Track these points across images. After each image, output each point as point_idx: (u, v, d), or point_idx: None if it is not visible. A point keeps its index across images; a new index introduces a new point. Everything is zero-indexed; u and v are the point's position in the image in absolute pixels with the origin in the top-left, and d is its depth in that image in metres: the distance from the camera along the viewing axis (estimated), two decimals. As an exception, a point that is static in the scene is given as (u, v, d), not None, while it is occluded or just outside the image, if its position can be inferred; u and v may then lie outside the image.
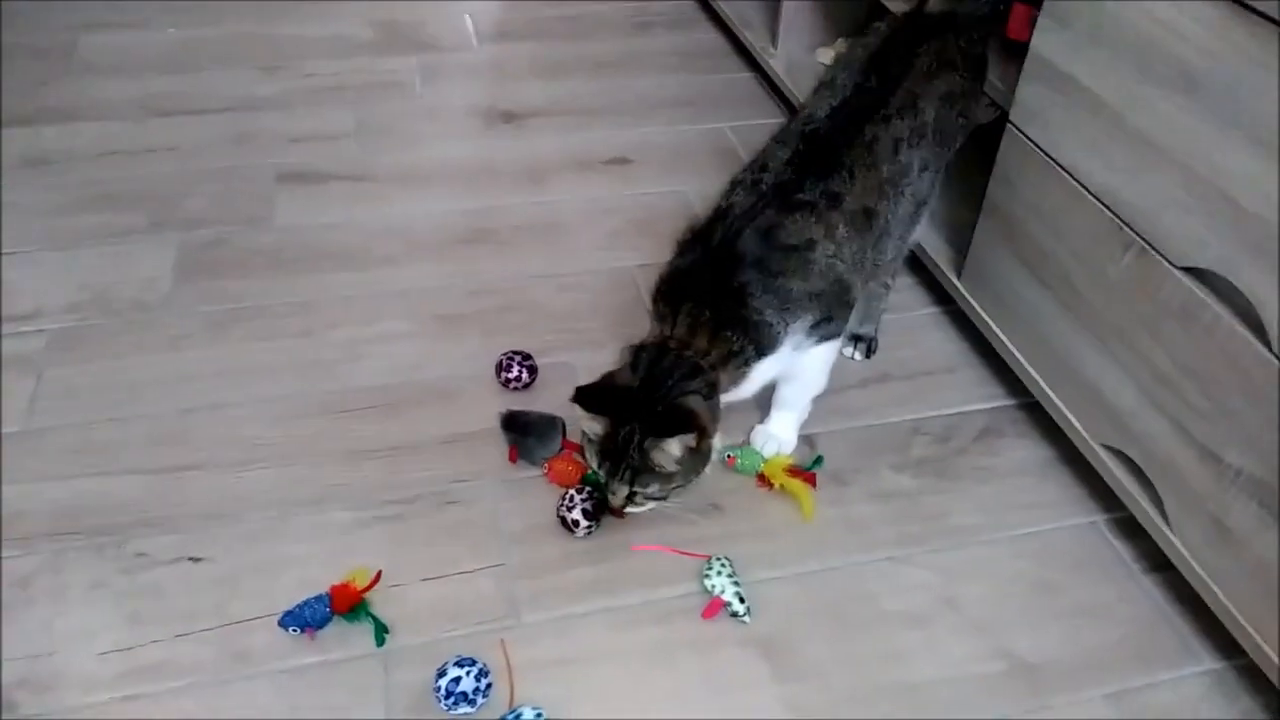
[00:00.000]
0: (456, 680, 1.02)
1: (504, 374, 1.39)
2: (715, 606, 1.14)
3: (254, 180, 1.82)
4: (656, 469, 1.12)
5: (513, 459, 1.30)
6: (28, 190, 1.76)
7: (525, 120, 2.07)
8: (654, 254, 1.64)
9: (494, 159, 1.93)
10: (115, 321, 1.49)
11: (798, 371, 1.26)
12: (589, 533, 1.21)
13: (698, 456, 1.14)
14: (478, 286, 1.61)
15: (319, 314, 1.53)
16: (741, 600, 1.14)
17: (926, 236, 1.58)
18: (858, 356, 1.50)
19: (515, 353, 1.41)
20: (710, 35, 2.45)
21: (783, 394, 1.32)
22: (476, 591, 1.16)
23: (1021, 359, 1.38)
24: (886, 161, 1.23)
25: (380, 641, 1.09)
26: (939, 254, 1.57)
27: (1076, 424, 1.29)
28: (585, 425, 1.15)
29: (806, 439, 1.37)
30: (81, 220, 1.69)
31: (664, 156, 1.96)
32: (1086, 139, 1.20)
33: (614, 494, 1.16)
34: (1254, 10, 0.94)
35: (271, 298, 1.56)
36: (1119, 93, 1.13)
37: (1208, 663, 1.13)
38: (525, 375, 1.39)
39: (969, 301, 1.49)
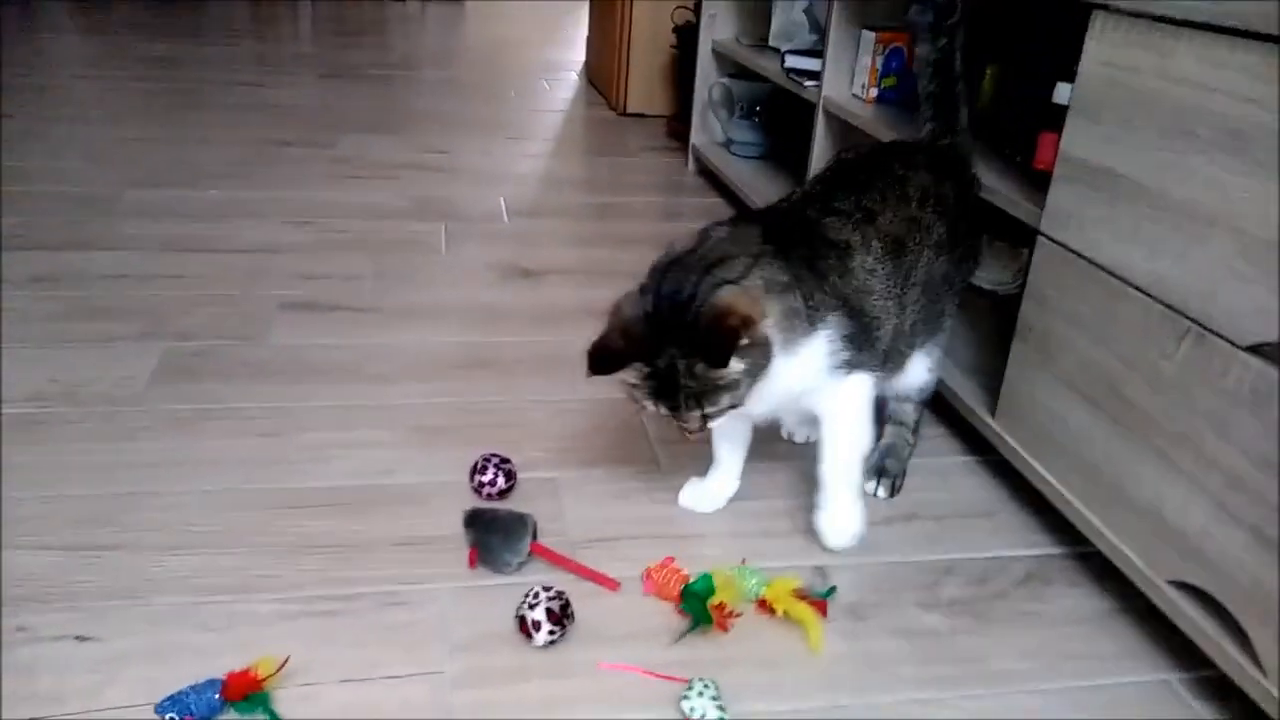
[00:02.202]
0: (352, 781, 0.80)
1: (478, 477, 1.24)
2: (693, 733, 0.92)
3: (256, 306, 1.77)
4: (716, 383, 1.01)
5: (472, 564, 1.12)
6: (26, 300, 1.72)
7: (543, 276, 2.03)
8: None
9: (506, 304, 1.88)
10: (76, 411, 1.39)
11: (828, 411, 1.16)
12: (552, 640, 1.01)
13: (755, 350, 1.01)
14: (467, 405, 1.49)
15: (292, 419, 1.41)
16: (726, 728, 0.92)
17: (955, 380, 1.45)
18: (880, 493, 1.32)
19: (493, 455, 1.26)
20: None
21: (825, 463, 1.18)
22: (403, 699, 0.95)
23: (1068, 495, 1.20)
24: (915, 200, 1.22)
25: (274, 741, 0.88)
26: (970, 395, 1.43)
27: (1137, 561, 1.09)
28: (619, 375, 1.04)
29: (817, 568, 1.17)
30: (71, 327, 1.64)
31: (682, 313, 1.89)
32: (1127, 230, 1.09)
33: (685, 423, 1.06)
34: (1301, 41, 0.86)
35: (245, 402, 1.45)
36: (1159, 170, 1.04)
37: None
38: (501, 480, 1.24)
39: (1006, 441, 1.33)
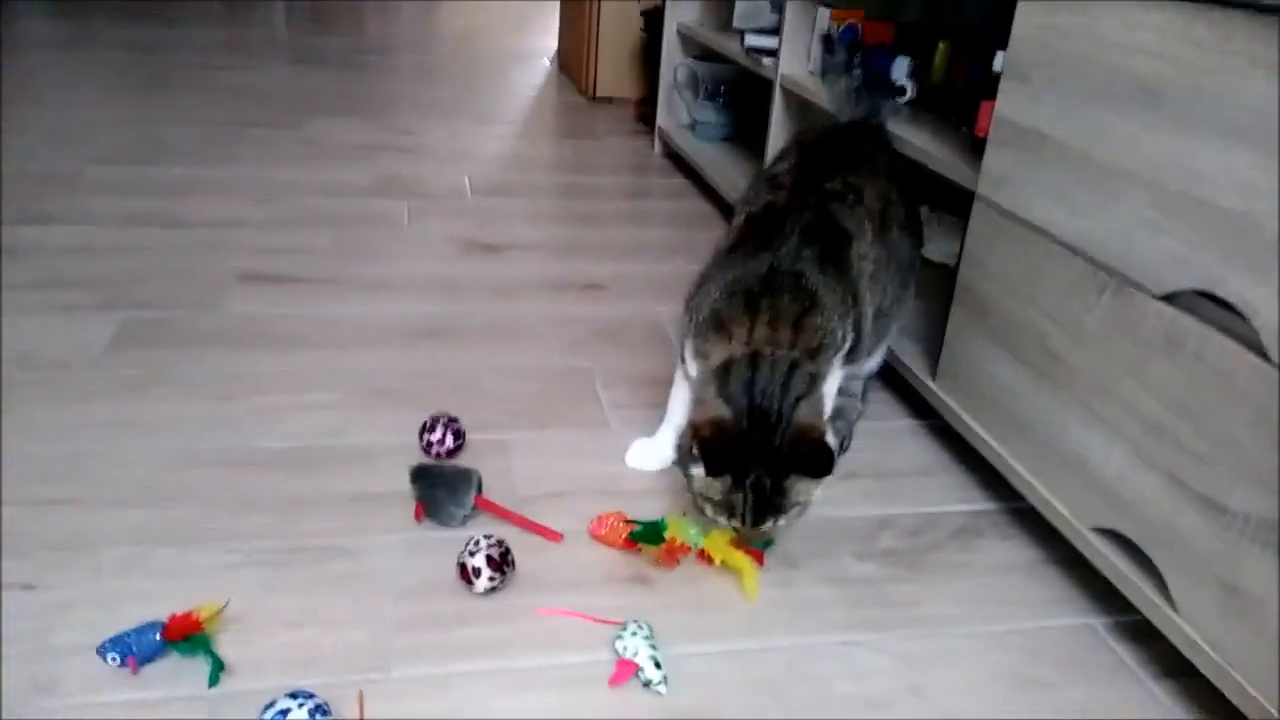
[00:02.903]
0: (285, 712, 0.82)
1: (427, 435, 1.26)
2: (625, 671, 0.94)
3: (215, 278, 1.78)
4: (801, 503, 1.05)
5: (419, 517, 1.15)
6: (-15, 272, 1.73)
7: (504, 251, 2.05)
8: (616, 360, 1.58)
9: (465, 277, 1.89)
10: (30, 376, 1.40)
11: None
12: (492, 586, 1.03)
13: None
14: (421, 371, 1.51)
15: (244, 383, 1.43)
16: (658, 666, 0.94)
17: (903, 347, 1.48)
18: (827, 452, 1.35)
19: (442, 414, 1.28)
20: (700, 204, 2.49)
21: None
22: (345, 641, 0.97)
23: (1001, 450, 1.23)
24: (885, 175, 1.28)
25: (214, 680, 0.90)
26: (914, 361, 1.46)
27: (1063, 510, 1.12)
28: (700, 487, 1.05)
29: (757, 521, 1.20)
30: (30, 297, 1.64)
31: (639, 285, 1.91)
32: (1053, 189, 1.12)
33: (751, 533, 1.07)
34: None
35: (200, 367, 1.46)
36: (1082, 130, 1.08)
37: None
38: (450, 439, 1.26)
39: (945, 402, 1.36)
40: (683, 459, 1.08)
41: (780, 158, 1.39)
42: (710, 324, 1.11)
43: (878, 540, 1.19)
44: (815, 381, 1.07)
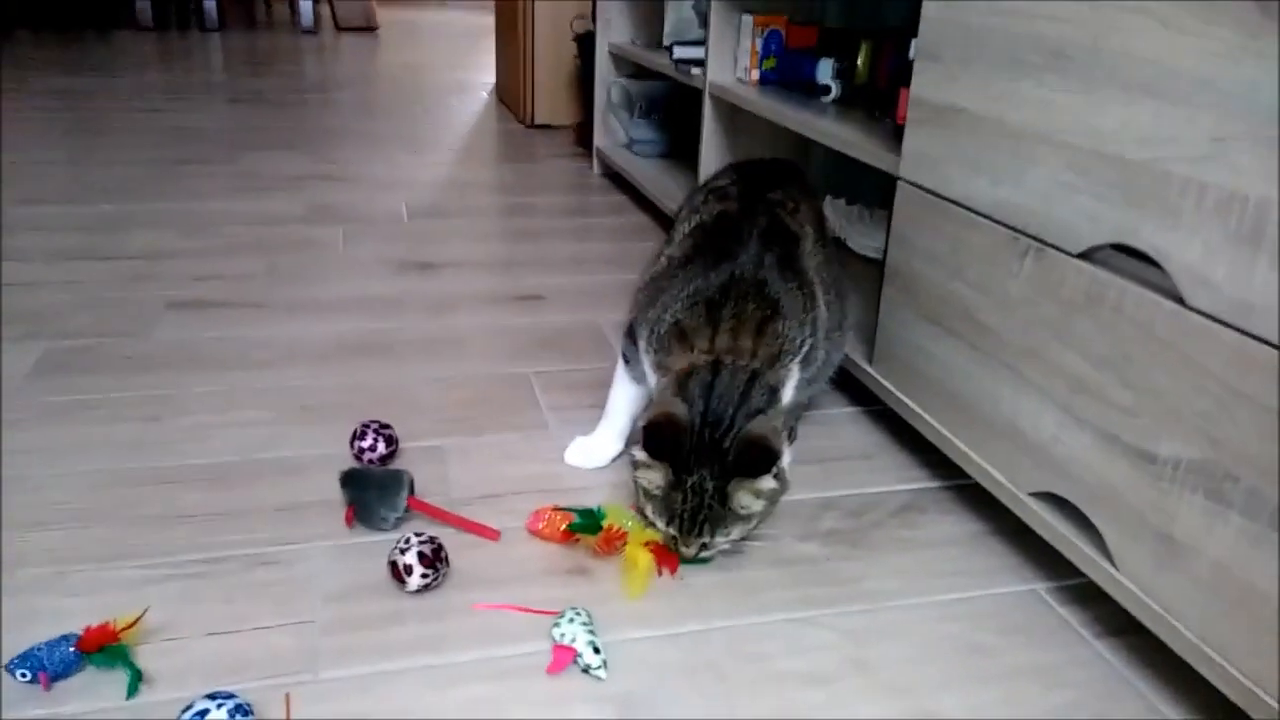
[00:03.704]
0: (203, 714, 0.78)
1: (357, 443, 1.23)
2: (564, 658, 0.92)
3: (143, 307, 1.74)
4: (741, 514, 1.01)
5: (349, 522, 1.12)
6: (-100, 310, 1.68)
7: (440, 269, 2.03)
8: (556, 363, 1.56)
9: (399, 294, 1.87)
10: (-56, 408, 1.35)
11: None
12: (425, 584, 1.00)
13: (780, 481, 1.03)
14: (352, 385, 1.48)
15: (171, 405, 1.39)
16: (597, 651, 0.92)
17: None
18: (770, 442, 1.34)
19: (373, 422, 1.26)
20: (640, 217, 2.49)
21: None
22: (270, 647, 0.93)
23: (938, 425, 1.23)
24: (816, 197, 1.32)
25: (132, 691, 0.86)
26: (851, 348, 1.46)
27: (1001, 478, 1.12)
28: (643, 476, 1.03)
29: (698, 510, 1.19)
30: (-53, 331, 1.60)
31: (578, 294, 1.91)
32: (971, 162, 1.14)
33: (686, 547, 1.04)
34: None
35: (125, 392, 1.42)
36: (996, 100, 1.09)
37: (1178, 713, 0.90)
38: (381, 445, 1.23)
39: (882, 384, 1.36)
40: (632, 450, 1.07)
41: (716, 177, 1.39)
42: (673, 335, 1.10)
43: (820, 521, 1.18)
44: (775, 395, 1.06)
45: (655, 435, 1.00)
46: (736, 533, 1.04)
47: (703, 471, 1.00)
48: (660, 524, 1.04)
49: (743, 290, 1.10)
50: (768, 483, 1.01)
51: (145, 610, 0.93)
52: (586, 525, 1.08)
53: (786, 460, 1.05)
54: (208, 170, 2.72)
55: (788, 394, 1.15)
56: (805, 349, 1.13)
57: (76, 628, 0.90)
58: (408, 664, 0.92)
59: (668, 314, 1.12)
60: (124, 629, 0.90)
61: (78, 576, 1.02)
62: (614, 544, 1.07)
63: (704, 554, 1.06)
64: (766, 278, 1.11)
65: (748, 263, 1.13)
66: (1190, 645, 0.87)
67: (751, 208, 1.22)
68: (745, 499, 1.01)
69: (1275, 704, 0.79)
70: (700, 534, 1.02)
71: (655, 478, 1.02)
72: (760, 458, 0.99)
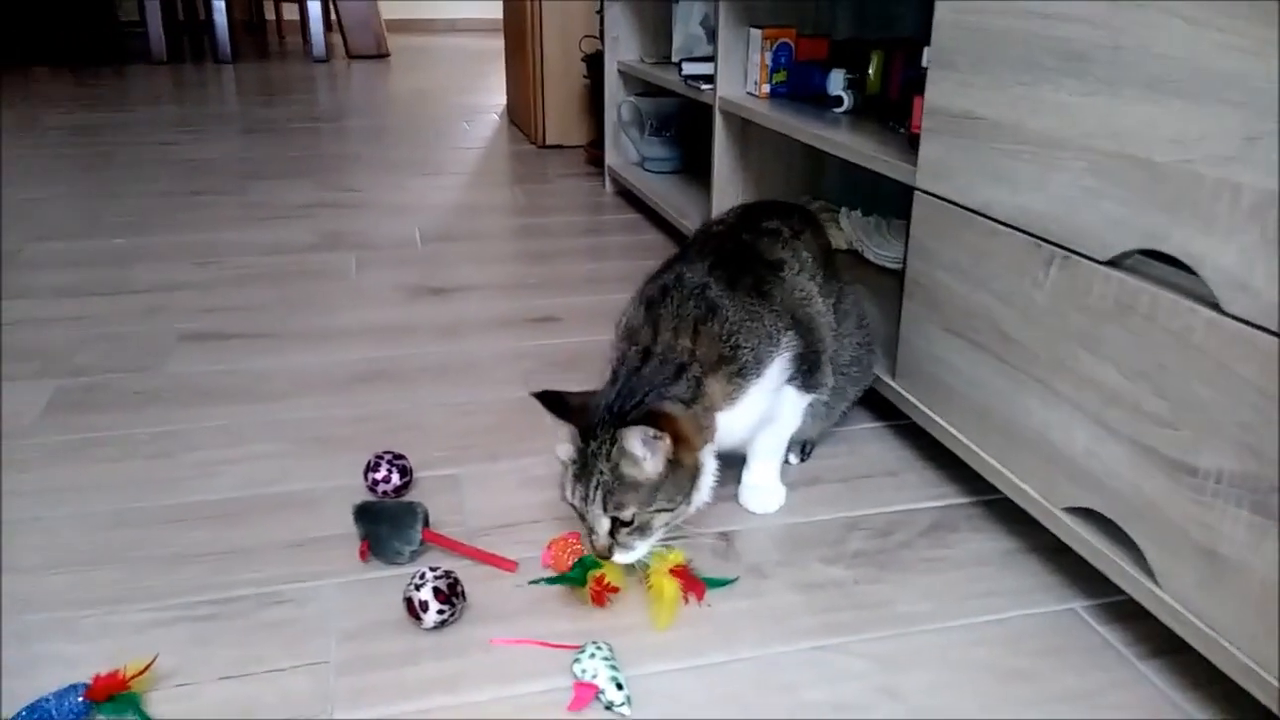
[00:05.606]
0: (213, 765, 0.76)
1: (371, 475, 1.21)
2: (585, 695, 0.89)
3: (154, 340, 1.72)
4: (628, 480, 0.97)
5: (364, 556, 1.09)
6: (-86, 351, 1.67)
7: (452, 293, 2.01)
8: (572, 384, 1.51)
9: (411, 320, 1.85)
10: (-45, 449, 1.34)
11: (775, 414, 1.17)
12: (442, 620, 0.97)
13: (680, 471, 0.99)
14: (365, 415, 1.46)
15: (180, 440, 1.37)
16: (620, 687, 0.89)
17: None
18: (793, 460, 1.31)
19: (386, 453, 1.23)
20: (655, 235, 2.47)
21: (758, 441, 1.20)
22: (284, 690, 0.91)
23: (966, 440, 1.20)
24: (824, 235, 1.32)
25: (141, 741, 0.84)
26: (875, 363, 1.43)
27: (1034, 494, 1.08)
28: (560, 451, 1.02)
29: (720, 534, 1.15)
30: (-41, 371, 1.59)
31: (593, 315, 1.88)
32: (991, 169, 1.10)
33: (594, 529, 1.00)
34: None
35: (135, 428, 1.40)
36: (1013, 105, 1.06)
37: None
38: (395, 477, 1.21)
39: (906, 398, 1.32)
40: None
41: (726, 212, 1.38)
42: (621, 334, 1.11)
43: (846, 543, 1.15)
44: (701, 389, 1.03)
45: (555, 396, 1.03)
46: (632, 509, 0.97)
47: (603, 436, 0.98)
48: (577, 505, 1.00)
49: (685, 292, 1.09)
50: (637, 445, 0.96)
51: (155, 656, 0.90)
52: (575, 578, 1.04)
53: (710, 463, 1.04)
54: (220, 201, 2.72)
55: (789, 413, 1.18)
56: (766, 371, 1.10)
57: (85, 676, 0.88)
58: (425, 704, 0.89)
59: (622, 317, 1.14)
60: (134, 676, 0.87)
61: (86, 621, 1.00)
62: (603, 595, 1.03)
63: (619, 550, 1.00)
64: (709, 282, 1.10)
65: (699, 266, 1.13)
66: (1241, 667, 0.83)
67: (735, 230, 1.24)
68: (627, 464, 0.97)
69: (1335, 729, 0.75)
70: (594, 501, 0.97)
71: (569, 449, 1.01)
72: (644, 417, 0.96)
